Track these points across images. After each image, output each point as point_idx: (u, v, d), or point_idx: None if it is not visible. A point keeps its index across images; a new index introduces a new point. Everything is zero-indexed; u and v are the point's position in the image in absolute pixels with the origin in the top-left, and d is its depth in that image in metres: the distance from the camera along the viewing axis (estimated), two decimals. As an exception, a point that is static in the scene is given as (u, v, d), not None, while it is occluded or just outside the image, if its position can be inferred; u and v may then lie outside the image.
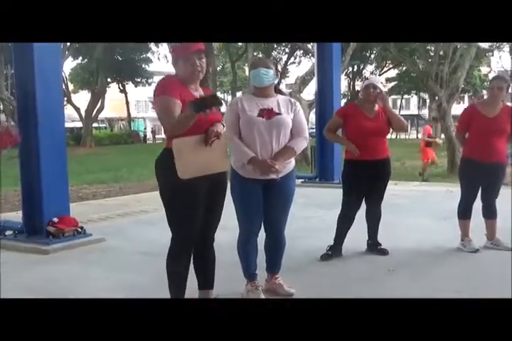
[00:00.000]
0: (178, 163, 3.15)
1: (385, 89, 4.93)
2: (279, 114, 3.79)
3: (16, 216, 6.54)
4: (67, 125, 29.39)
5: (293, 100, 3.97)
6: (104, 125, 52.26)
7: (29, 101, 5.67)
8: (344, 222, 5.08)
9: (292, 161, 3.94)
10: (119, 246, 5.71)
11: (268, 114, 3.77)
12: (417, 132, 44.15)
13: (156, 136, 48.01)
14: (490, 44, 31.24)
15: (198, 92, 3.33)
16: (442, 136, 14.75)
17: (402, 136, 41.45)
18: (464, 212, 5.24)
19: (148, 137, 49.58)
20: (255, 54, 29.05)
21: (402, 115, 5.36)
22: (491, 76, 30.90)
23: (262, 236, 4.03)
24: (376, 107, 4.93)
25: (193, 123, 3.10)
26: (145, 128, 53.27)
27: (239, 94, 37.42)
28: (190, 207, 3.25)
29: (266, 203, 3.87)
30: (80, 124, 38.16)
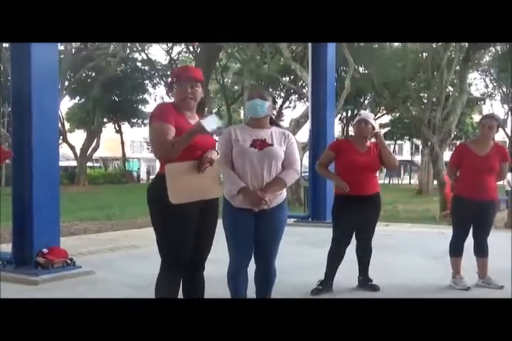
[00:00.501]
0: (170, 187, 3.18)
1: (376, 125, 5.02)
2: (271, 145, 3.81)
3: (6, 248, 6.50)
4: (62, 163, 29.42)
5: (287, 132, 3.98)
6: (98, 164, 52.33)
7: (25, 139, 5.73)
8: (334, 257, 5.07)
9: (284, 192, 3.94)
10: (108, 279, 5.66)
11: (260, 144, 3.79)
12: (410, 177, 44.38)
13: (151, 177, 48.00)
14: (482, 92, 31.86)
15: (194, 120, 3.38)
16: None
17: (395, 181, 41.70)
18: (456, 250, 5.24)
19: (141, 177, 49.56)
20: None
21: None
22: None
23: (252, 266, 4.00)
24: (368, 143, 5.01)
25: (186, 149, 3.17)
26: (139, 168, 53.33)
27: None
28: (179, 232, 3.26)
29: (256, 234, 3.84)
30: (74, 163, 38.21)
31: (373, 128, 4.96)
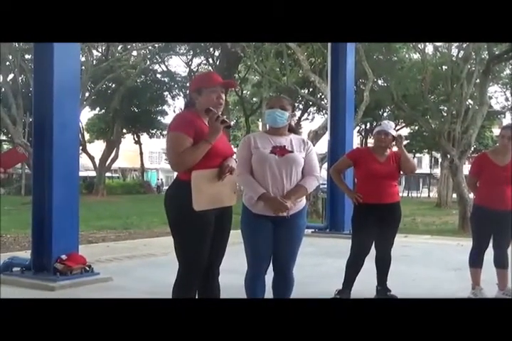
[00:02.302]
0: (195, 194, 3.21)
1: (395, 134, 5.00)
2: (291, 151, 3.80)
3: (25, 255, 6.56)
4: (81, 174, 29.57)
5: (306, 139, 3.98)
6: (117, 175, 52.60)
7: (46, 148, 5.82)
8: (353, 267, 5.03)
9: (303, 199, 3.91)
10: (126, 286, 5.68)
11: (281, 151, 3.77)
12: (429, 190, 44.05)
13: (164, 188, 48.04)
14: (502, 106, 31.61)
15: None
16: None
17: (414, 194, 41.43)
18: (475, 261, 5.18)
19: (161, 188, 49.58)
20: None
21: (414, 174, 5.39)
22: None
23: (270, 274, 3.98)
24: (388, 152, 4.99)
25: (208, 157, 3.19)
26: (157, 179, 53.49)
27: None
28: (200, 238, 3.28)
29: (276, 241, 3.82)
30: (93, 173, 38.45)
31: (393, 139, 4.95)
